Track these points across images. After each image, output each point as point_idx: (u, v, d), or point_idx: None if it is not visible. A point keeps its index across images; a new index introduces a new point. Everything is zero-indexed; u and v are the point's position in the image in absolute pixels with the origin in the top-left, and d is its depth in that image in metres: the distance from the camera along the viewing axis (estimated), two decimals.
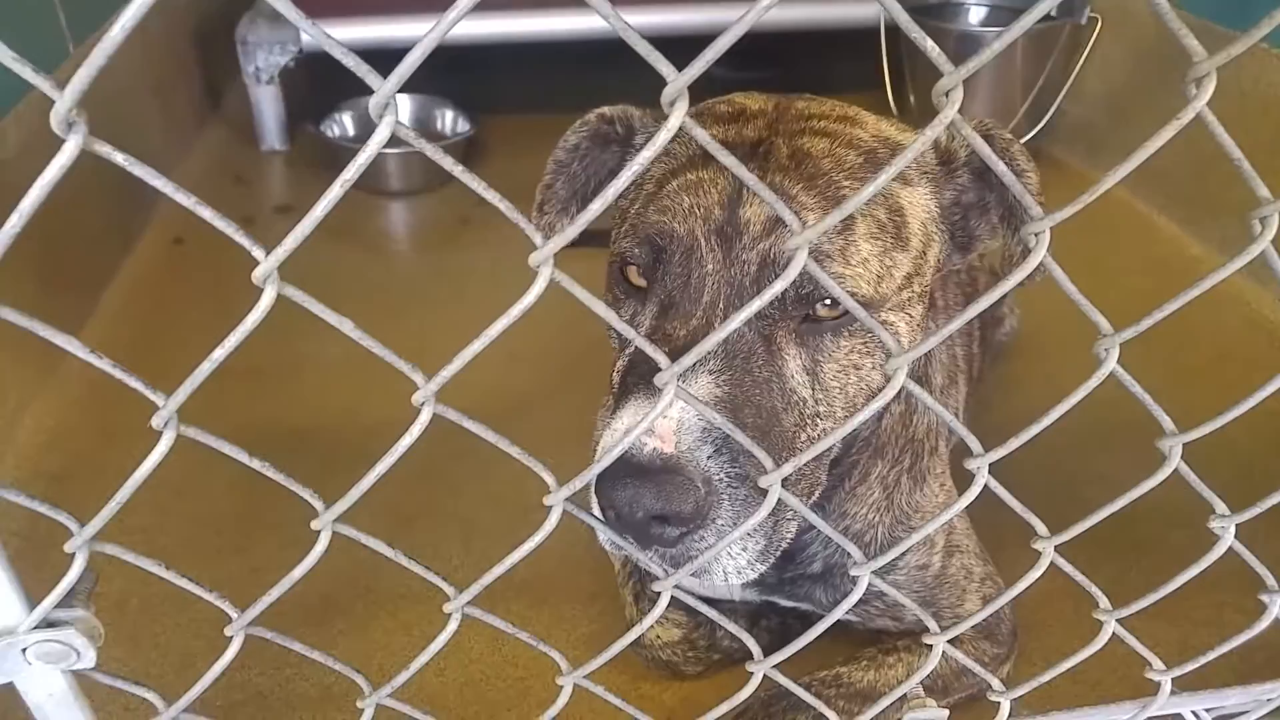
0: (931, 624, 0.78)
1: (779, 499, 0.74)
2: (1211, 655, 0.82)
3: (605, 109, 0.94)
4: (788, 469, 0.62)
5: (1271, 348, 1.82)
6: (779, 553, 0.79)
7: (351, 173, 0.48)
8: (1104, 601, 0.78)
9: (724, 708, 0.75)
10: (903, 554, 1.05)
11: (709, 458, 0.70)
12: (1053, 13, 2.44)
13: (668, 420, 0.70)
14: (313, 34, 0.44)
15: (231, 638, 0.64)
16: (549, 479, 0.61)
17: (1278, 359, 1.76)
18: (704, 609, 0.70)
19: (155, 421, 0.53)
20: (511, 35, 2.51)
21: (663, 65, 0.46)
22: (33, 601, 0.59)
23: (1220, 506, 0.74)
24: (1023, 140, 2.48)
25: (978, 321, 1.42)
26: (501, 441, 0.59)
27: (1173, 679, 0.83)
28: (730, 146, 0.80)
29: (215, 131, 2.64)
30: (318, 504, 0.60)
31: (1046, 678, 0.80)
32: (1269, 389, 0.67)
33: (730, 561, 0.75)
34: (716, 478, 0.70)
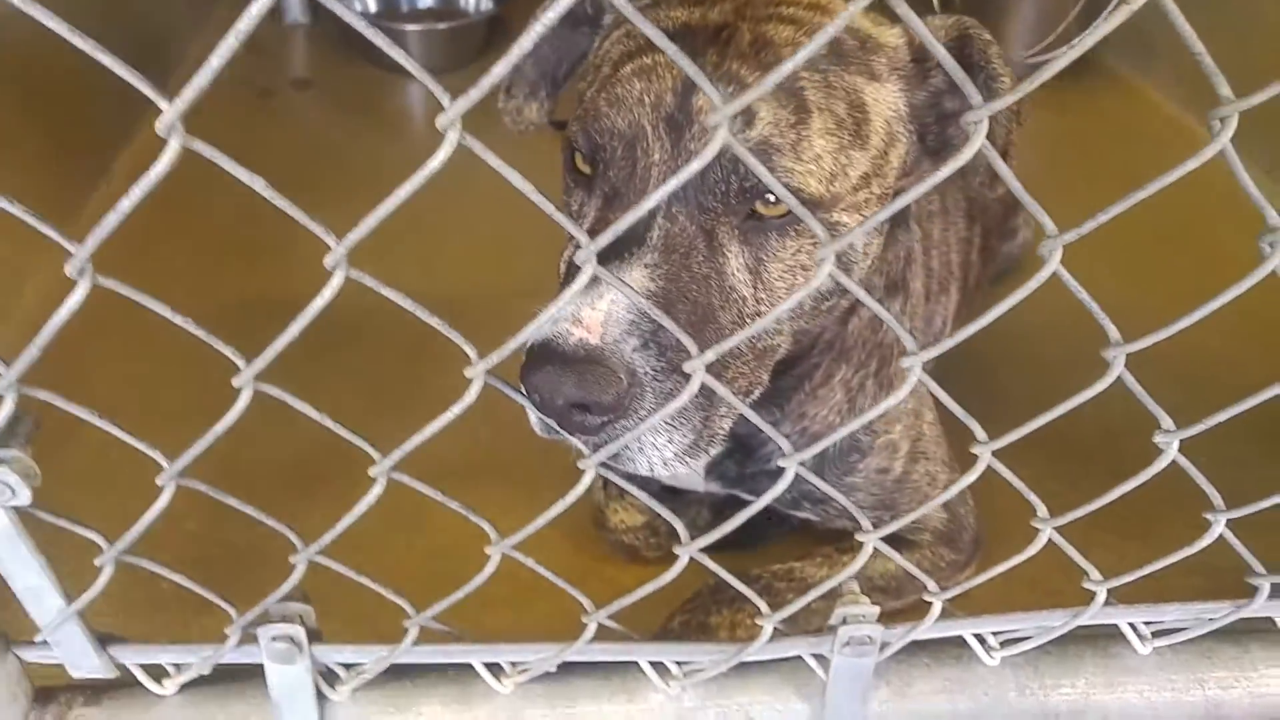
0: (865, 522, 0.79)
1: (708, 390, 0.75)
2: (1147, 569, 0.82)
3: None
4: (710, 355, 0.62)
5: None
6: (711, 447, 0.79)
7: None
8: (1041, 510, 0.78)
9: (648, 588, 0.77)
10: (863, 456, 1.05)
11: (634, 350, 0.70)
12: None
13: (595, 311, 0.70)
14: None
15: (163, 487, 0.66)
16: (470, 351, 0.61)
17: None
18: (624, 484, 0.71)
19: (69, 269, 0.54)
20: None
21: (706, 86, 0.48)
22: None
23: (1166, 422, 0.73)
24: (1071, 45, 2.42)
25: (979, 229, 1.39)
26: (420, 311, 0.59)
27: (1110, 589, 0.83)
28: (692, 29, 0.77)
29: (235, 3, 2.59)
30: (240, 361, 0.61)
31: (978, 580, 0.81)
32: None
33: (655, 453, 0.75)
34: (641, 370, 0.70)
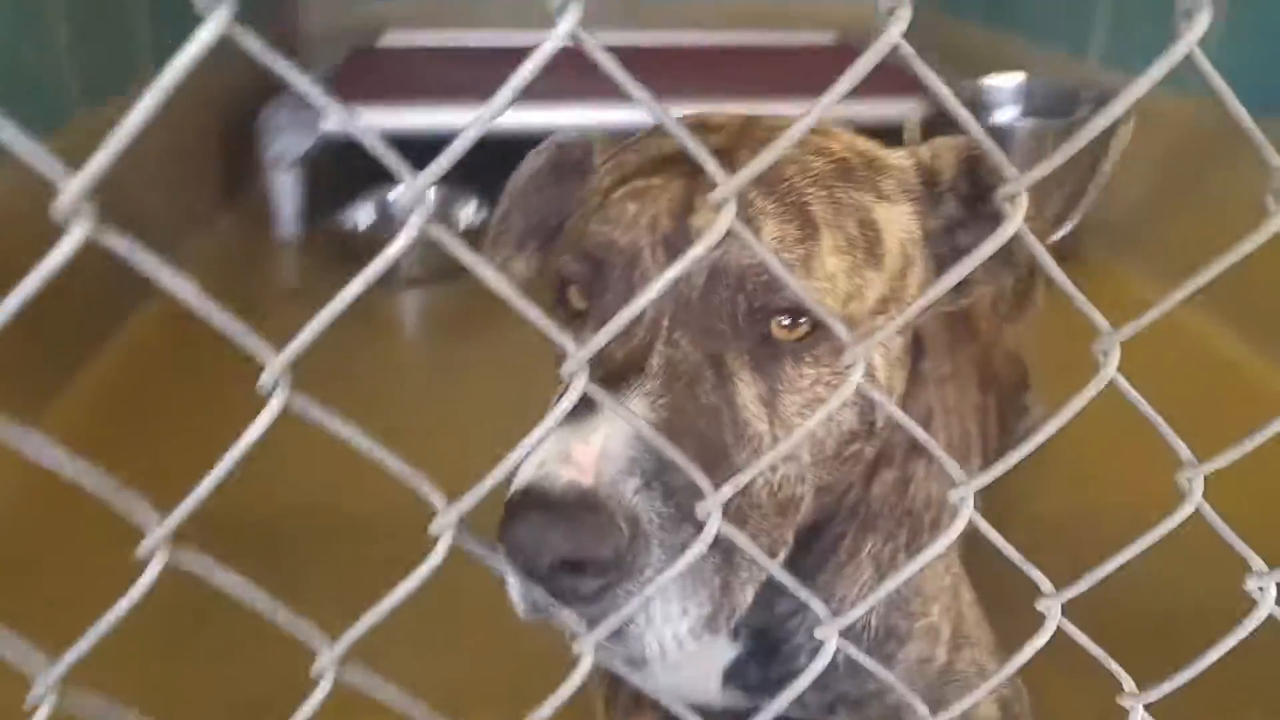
0: (921, 709, 0.66)
1: (726, 549, 0.64)
2: (1198, 665, 0.67)
3: (561, 136, 0.88)
4: (728, 489, 0.52)
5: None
6: (731, 620, 0.66)
7: (371, 272, 0.44)
8: (1128, 684, 0.66)
9: None
10: (901, 644, 0.92)
11: (635, 492, 0.58)
12: (1083, 108, 2.40)
13: (588, 448, 0.58)
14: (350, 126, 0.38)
15: None
16: (437, 500, 0.51)
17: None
18: (630, 677, 0.59)
19: (141, 550, 0.44)
20: (536, 126, 2.50)
21: (710, 164, 0.44)
22: None
23: (1257, 564, 0.62)
24: (1055, 238, 2.45)
25: (993, 399, 1.31)
26: (383, 454, 0.50)
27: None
28: (685, 155, 0.72)
29: (232, 217, 2.65)
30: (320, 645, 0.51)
31: None
32: None
33: (666, 626, 0.61)
34: (645, 517, 0.58)
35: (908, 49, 0.47)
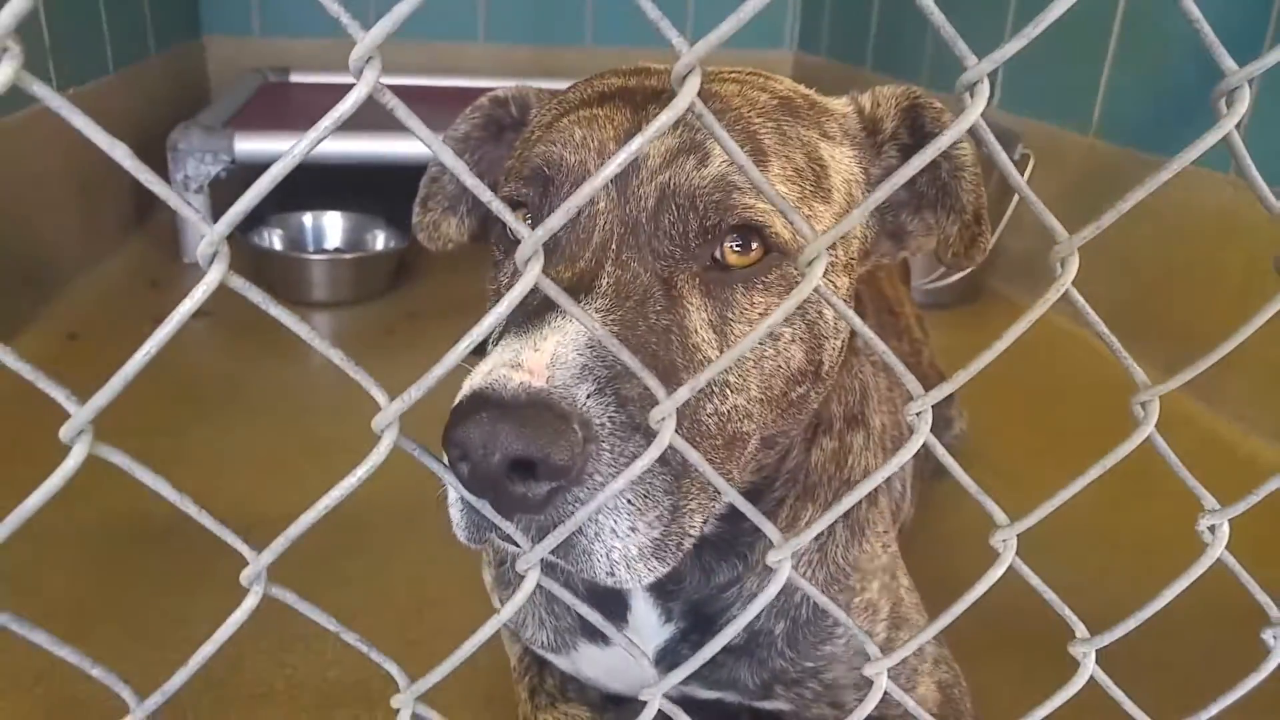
0: (872, 648, 0.64)
1: (675, 470, 0.61)
2: (1213, 709, 0.68)
3: (499, 90, 0.86)
4: (684, 392, 0.50)
5: (1229, 469, 1.74)
6: (680, 552, 0.63)
7: (169, 327, 0.44)
8: (1080, 629, 0.64)
9: None
10: (838, 622, 0.90)
11: (589, 396, 0.55)
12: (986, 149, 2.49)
13: (539, 354, 0.56)
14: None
15: None
16: (379, 395, 0.48)
17: (1237, 475, 1.68)
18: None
19: (64, 433, 0.44)
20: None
21: (672, 33, 0.43)
22: None
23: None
24: (962, 274, 2.53)
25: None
26: (330, 350, 0.46)
27: None
28: (631, 92, 0.71)
29: (140, 240, 2.56)
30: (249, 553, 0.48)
31: None
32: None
33: (615, 543, 0.58)
34: (597, 421, 0.55)
35: (982, 125, 0.48)
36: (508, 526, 0.55)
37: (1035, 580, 0.61)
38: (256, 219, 2.44)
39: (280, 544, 0.49)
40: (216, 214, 1.86)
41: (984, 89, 0.47)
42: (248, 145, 2.40)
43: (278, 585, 0.52)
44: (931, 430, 1.51)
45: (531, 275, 0.46)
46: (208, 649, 0.51)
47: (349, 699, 1.10)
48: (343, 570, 1.32)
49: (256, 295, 0.46)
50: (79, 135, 0.40)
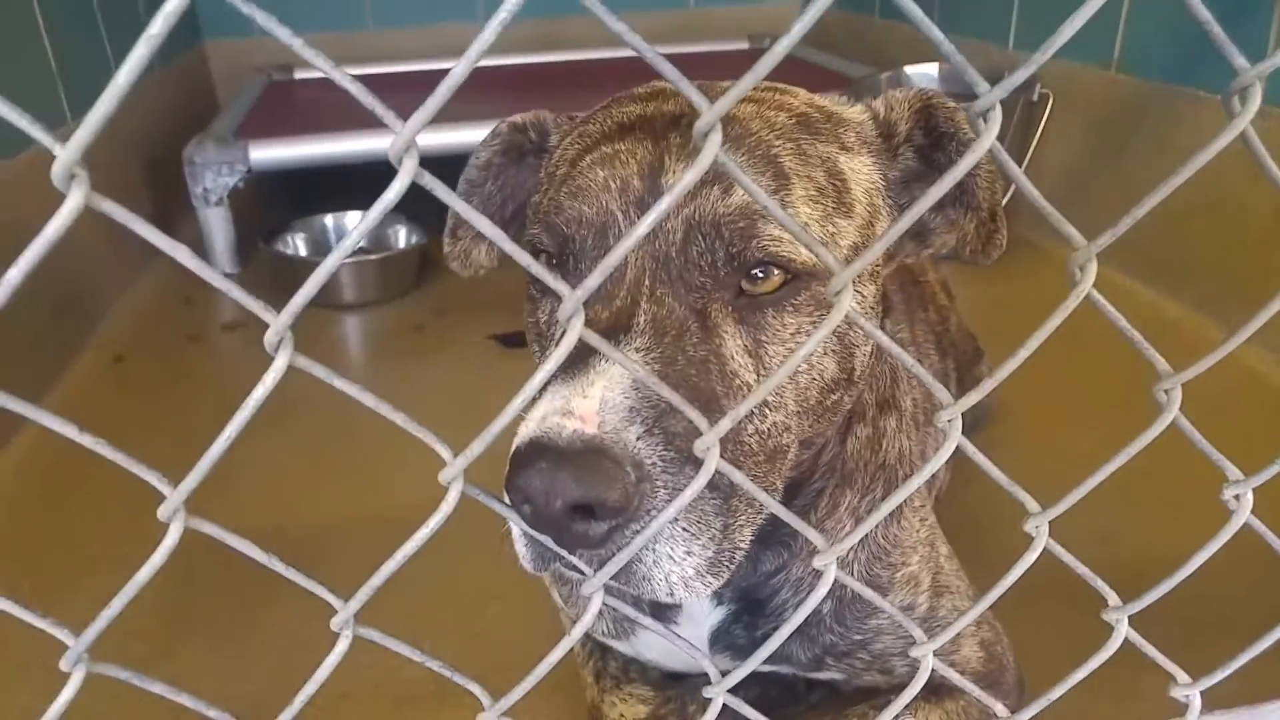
0: (917, 633, 0.67)
1: (724, 492, 0.65)
2: (1242, 658, 0.72)
3: (516, 117, 0.89)
4: (726, 423, 0.53)
5: (1267, 403, 1.75)
6: (732, 563, 0.67)
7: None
8: (1113, 598, 0.68)
9: None
10: (884, 594, 0.94)
11: (638, 438, 0.59)
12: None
13: (588, 400, 0.60)
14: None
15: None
16: (443, 451, 0.52)
17: (1272, 415, 1.70)
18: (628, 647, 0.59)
19: (162, 513, 0.48)
20: (453, 145, 2.51)
21: (692, 92, 0.46)
22: None
23: (1233, 472, 0.65)
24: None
25: (951, 364, 1.35)
26: (388, 410, 0.50)
27: (1204, 693, 0.72)
28: (649, 121, 0.74)
29: (167, 258, 2.58)
30: (337, 602, 0.54)
31: (1056, 694, 0.69)
32: None
33: (672, 567, 0.62)
34: (648, 461, 0.59)
35: (999, 150, 0.51)
36: (571, 559, 0.59)
37: (1069, 558, 0.64)
38: (279, 226, 2.48)
39: (364, 594, 0.53)
40: (238, 223, 1.92)
41: (996, 115, 0.50)
42: (262, 153, 2.43)
43: (364, 626, 0.56)
44: (961, 390, 1.54)
45: (575, 332, 0.49)
46: (309, 689, 0.55)
47: (424, 695, 1.16)
48: (405, 571, 1.37)
49: (321, 371, 0.49)
50: (96, 159, 0.43)
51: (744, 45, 3.69)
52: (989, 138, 0.49)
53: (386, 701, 1.16)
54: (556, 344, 0.50)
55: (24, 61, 2.09)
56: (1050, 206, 0.53)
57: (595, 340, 0.51)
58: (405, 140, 0.44)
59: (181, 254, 0.45)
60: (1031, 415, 1.70)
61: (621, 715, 1.03)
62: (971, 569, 1.03)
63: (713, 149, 0.45)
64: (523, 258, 0.49)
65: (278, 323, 0.45)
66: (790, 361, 0.52)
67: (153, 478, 0.48)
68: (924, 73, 2.61)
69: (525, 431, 0.60)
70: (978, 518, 1.29)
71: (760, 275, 0.69)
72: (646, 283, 0.68)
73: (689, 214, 0.68)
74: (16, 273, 0.41)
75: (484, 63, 3.38)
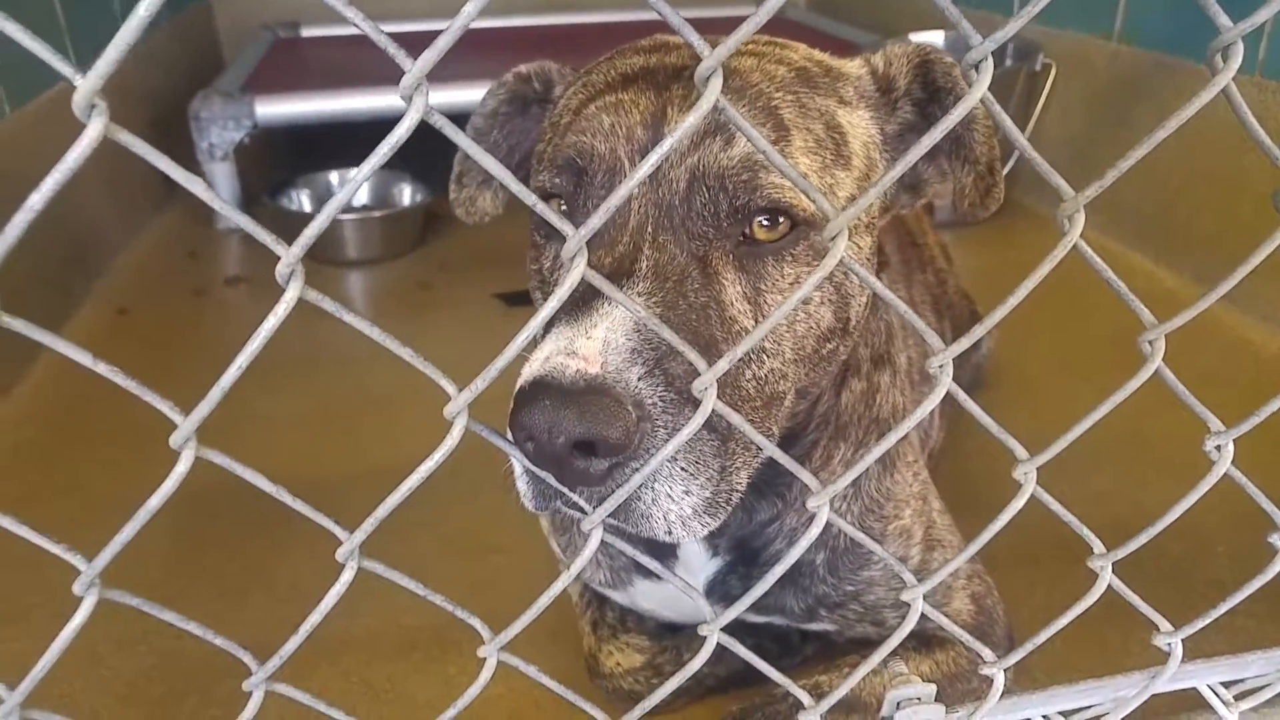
0: (908, 576, 0.69)
1: (722, 434, 0.66)
2: (1223, 607, 0.73)
3: (521, 67, 0.89)
4: (723, 364, 0.54)
5: (1257, 370, 1.77)
6: (729, 504, 0.69)
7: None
8: (1098, 545, 0.70)
9: (673, 682, 0.65)
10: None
11: (640, 379, 0.61)
12: (1008, 59, 2.47)
13: (591, 341, 0.61)
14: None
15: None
16: (448, 386, 0.53)
17: (1262, 381, 1.71)
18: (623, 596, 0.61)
19: (174, 441, 0.49)
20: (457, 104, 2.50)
21: (693, 38, 0.46)
22: None
23: (1215, 424, 0.67)
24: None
25: (949, 325, 1.36)
26: (393, 344, 0.52)
27: (1184, 642, 0.74)
28: (653, 72, 0.75)
29: (173, 210, 2.61)
30: (342, 533, 0.55)
31: (1042, 638, 0.71)
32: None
33: (671, 506, 0.64)
34: (649, 401, 0.61)
35: (990, 100, 0.52)
36: (571, 495, 0.61)
37: (1056, 506, 0.66)
38: (283, 181, 2.48)
39: (370, 524, 0.55)
40: (243, 178, 1.93)
41: (988, 66, 0.51)
42: (268, 109, 2.43)
43: (368, 559, 0.58)
44: (955, 336, 1.54)
45: (578, 271, 0.50)
46: (314, 618, 0.57)
47: (424, 642, 1.19)
48: (407, 520, 1.39)
49: (330, 305, 0.50)
50: None
51: (751, 10, 3.66)
52: (980, 88, 0.50)
53: (387, 650, 1.18)
54: (552, 272, 0.51)
55: (31, 13, 2.09)
56: (1039, 156, 0.54)
57: (598, 281, 0.52)
58: (415, 77, 0.45)
59: (197, 186, 0.46)
60: (1026, 380, 1.71)
61: (618, 664, 1.05)
62: (965, 526, 1.05)
63: (713, 93, 0.46)
64: (528, 197, 0.50)
65: (289, 254, 0.47)
66: (787, 303, 0.54)
67: (165, 406, 0.49)
68: (930, 40, 2.60)
69: (529, 371, 0.61)
70: (970, 473, 1.31)
71: (766, 223, 0.71)
72: (649, 229, 0.69)
73: (692, 164, 0.69)
74: (39, 197, 0.43)
75: (494, 23, 3.39)
